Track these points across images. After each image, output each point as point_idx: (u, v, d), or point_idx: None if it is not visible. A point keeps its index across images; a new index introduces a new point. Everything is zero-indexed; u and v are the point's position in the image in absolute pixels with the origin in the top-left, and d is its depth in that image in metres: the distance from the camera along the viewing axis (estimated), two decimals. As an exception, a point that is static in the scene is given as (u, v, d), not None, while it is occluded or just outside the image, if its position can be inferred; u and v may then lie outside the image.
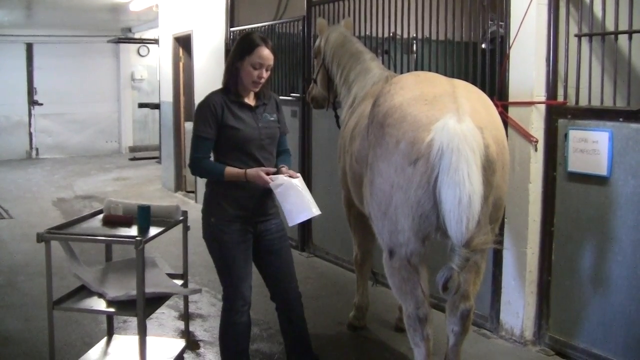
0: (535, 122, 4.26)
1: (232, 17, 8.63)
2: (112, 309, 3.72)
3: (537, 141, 4.26)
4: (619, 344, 3.85)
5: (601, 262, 3.94)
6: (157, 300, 3.84)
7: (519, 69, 4.33)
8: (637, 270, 3.74)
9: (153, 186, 11.47)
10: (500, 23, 4.57)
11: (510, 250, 4.44)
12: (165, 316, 5.06)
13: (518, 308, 4.41)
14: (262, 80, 3.49)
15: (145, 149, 16.33)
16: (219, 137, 3.49)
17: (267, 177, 3.39)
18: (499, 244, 4.17)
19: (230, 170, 3.44)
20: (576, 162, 4.04)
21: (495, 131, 3.09)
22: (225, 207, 3.51)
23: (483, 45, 4.76)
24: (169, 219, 4.02)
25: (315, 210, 3.43)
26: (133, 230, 3.77)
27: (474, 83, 4.05)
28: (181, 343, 4.30)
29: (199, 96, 3.60)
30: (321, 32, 5.05)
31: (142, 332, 3.61)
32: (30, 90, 15.69)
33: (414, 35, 5.51)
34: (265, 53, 3.46)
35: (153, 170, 13.25)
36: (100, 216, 4.07)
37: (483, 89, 4.09)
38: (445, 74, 4.15)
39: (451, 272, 2.78)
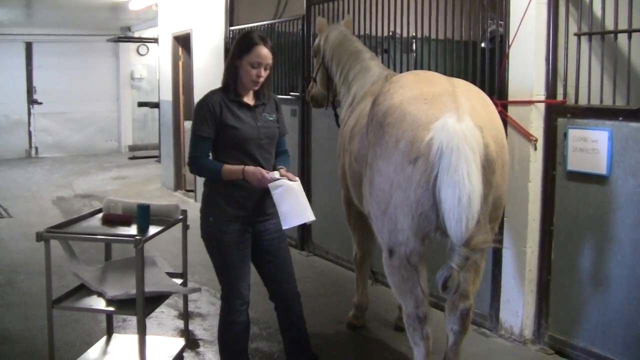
0: (534, 121, 4.26)
1: (231, 16, 8.63)
2: (111, 308, 3.72)
3: (536, 140, 4.26)
4: (618, 343, 3.86)
5: (600, 261, 3.94)
6: (156, 299, 3.84)
7: (519, 68, 4.33)
8: (636, 269, 3.74)
9: (152, 185, 11.47)
10: (500, 22, 4.57)
11: (510, 249, 4.44)
12: (165, 315, 5.06)
13: (517, 307, 4.41)
14: (261, 79, 3.49)
15: (144, 148, 16.32)
16: (218, 136, 3.49)
17: (267, 175, 3.38)
18: (499, 243, 4.18)
19: (228, 167, 3.43)
20: (576, 161, 4.04)
21: (495, 130, 3.09)
22: (224, 206, 3.51)
23: (482, 44, 4.76)
24: (169, 218, 4.02)
25: (310, 216, 3.45)
26: (132, 229, 3.77)
27: (474, 82, 4.05)
28: (181, 342, 4.30)
29: (198, 95, 3.61)
30: (321, 31, 5.04)
31: (142, 331, 3.61)
32: (30, 89, 15.67)
33: (414, 34, 5.50)
34: (264, 52, 3.46)
35: (152, 169, 13.25)
36: (100, 215, 4.06)
37: (482, 88, 4.09)
38: (444, 73, 4.15)
39: (451, 271, 2.78)
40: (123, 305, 3.68)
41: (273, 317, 3.84)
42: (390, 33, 5.73)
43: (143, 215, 3.80)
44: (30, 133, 15.85)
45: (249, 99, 3.59)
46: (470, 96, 3.15)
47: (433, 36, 5.13)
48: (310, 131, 6.90)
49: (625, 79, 3.90)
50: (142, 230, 3.72)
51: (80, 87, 15.87)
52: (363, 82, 4.50)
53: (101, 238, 3.81)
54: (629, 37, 3.85)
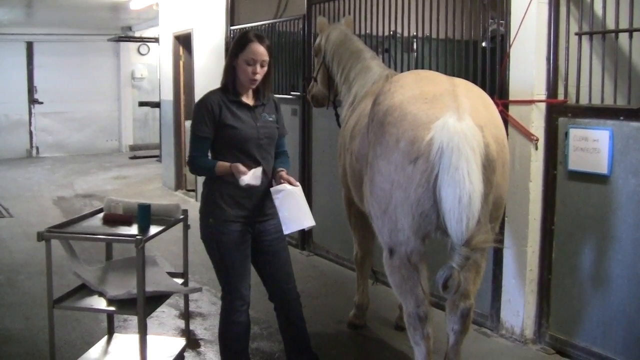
0: (535, 121, 4.26)
1: (232, 16, 8.63)
2: (112, 308, 3.72)
3: (537, 140, 4.26)
4: (619, 343, 3.85)
5: (601, 261, 3.94)
6: (157, 299, 3.84)
7: (520, 68, 4.32)
8: (637, 268, 3.74)
9: (153, 185, 11.47)
10: (501, 21, 4.56)
11: (511, 249, 4.44)
12: (166, 315, 5.06)
13: (518, 307, 4.41)
14: (258, 76, 3.48)
15: (145, 147, 16.32)
16: (217, 136, 3.49)
17: (243, 169, 3.34)
18: (499, 243, 4.17)
19: (220, 163, 3.44)
20: (577, 161, 4.04)
21: (496, 130, 3.09)
22: (223, 207, 3.50)
23: (483, 44, 4.75)
24: (169, 218, 4.02)
25: (310, 222, 3.47)
26: (133, 229, 3.77)
27: (475, 81, 4.06)
28: (181, 342, 4.30)
29: (199, 95, 3.63)
30: (321, 31, 5.04)
31: (143, 331, 3.61)
32: (31, 89, 15.68)
33: (414, 33, 5.50)
34: (258, 49, 3.46)
35: (153, 168, 13.26)
36: (101, 215, 4.06)
37: (483, 87, 4.09)
38: (445, 73, 4.15)
39: (451, 271, 2.77)
40: (124, 305, 3.68)
41: (273, 317, 3.84)
42: (391, 32, 5.73)
43: (144, 215, 3.80)
44: (31, 133, 15.86)
45: (249, 99, 3.59)
46: (470, 96, 3.15)
47: (434, 35, 5.13)
48: (310, 131, 6.90)
49: (626, 79, 3.90)
50: (143, 230, 3.72)
51: (81, 86, 15.87)
52: (364, 81, 4.50)
53: (102, 238, 3.81)
54: (630, 37, 3.85)
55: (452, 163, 2.72)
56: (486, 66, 4.63)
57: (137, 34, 15.78)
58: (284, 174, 3.56)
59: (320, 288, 5.79)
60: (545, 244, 4.30)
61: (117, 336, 4.35)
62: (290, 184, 3.49)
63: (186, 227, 4.17)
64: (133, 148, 16.53)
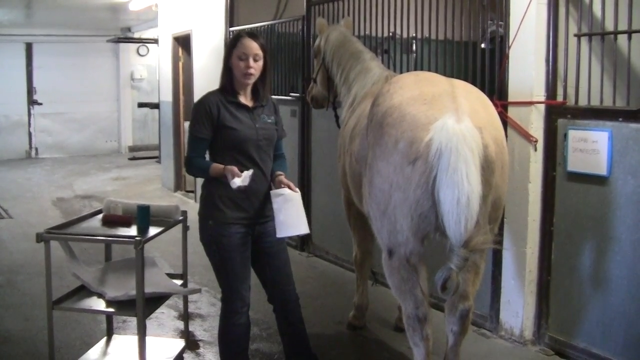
0: (534, 122, 4.27)
1: (231, 17, 8.63)
2: (111, 309, 3.72)
3: (536, 141, 4.26)
4: (619, 344, 3.85)
5: (601, 262, 3.94)
6: (156, 300, 3.84)
7: (519, 69, 4.33)
8: (636, 269, 3.74)
9: (152, 186, 11.47)
10: (500, 23, 4.57)
11: (510, 250, 4.44)
12: (165, 316, 5.06)
13: (518, 308, 4.41)
14: (251, 70, 3.47)
15: (144, 148, 16.32)
16: (216, 137, 3.49)
17: (236, 171, 3.34)
18: (498, 244, 4.18)
19: (214, 166, 3.44)
20: (576, 162, 4.04)
21: (495, 131, 3.10)
22: (223, 209, 3.50)
23: (482, 45, 4.76)
24: (169, 219, 4.02)
25: (304, 229, 3.50)
26: (132, 230, 3.77)
27: (474, 83, 4.06)
28: (181, 343, 4.30)
29: (198, 96, 3.63)
30: (321, 32, 5.04)
31: (142, 332, 3.61)
32: (30, 90, 15.68)
33: (414, 34, 5.50)
34: (249, 43, 3.47)
35: (152, 169, 13.25)
36: (100, 216, 4.06)
37: (482, 88, 4.09)
38: (444, 74, 4.15)
39: (450, 272, 2.77)
40: (123, 306, 3.68)
41: (273, 318, 3.84)
42: (391, 34, 5.73)
43: (143, 216, 3.80)
44: (30, 134, 15.86)
45: (247, 100, 3.59)
46: (469, 97, 3.15)
47: (433, 37, 5.13)
48: (310, 132, 6.90)
49: (625, 80, 3.90)
50: (142, 231, 3.72)
51: (81, 87, 15.88)
52: (363, 82, 4.50)
53: (101, 239, 3.81)
54: (629, 38, 3.85)
55: (450, 164, 2.72)
56: (485, 67, 4.63)
57: (136, 35, 15.79)
58: (283, 178, 3.57)
59: (320, 289, 5.79)
60: (544, 245, 4.31)
61: (116, 337, 4.35)
62: (290, 189, 3.50)
63: (185, 228, 4.17)
64: (132, 149, 16.53)
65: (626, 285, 3.80)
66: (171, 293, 4.02)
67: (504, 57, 4.42)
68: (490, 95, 3.97)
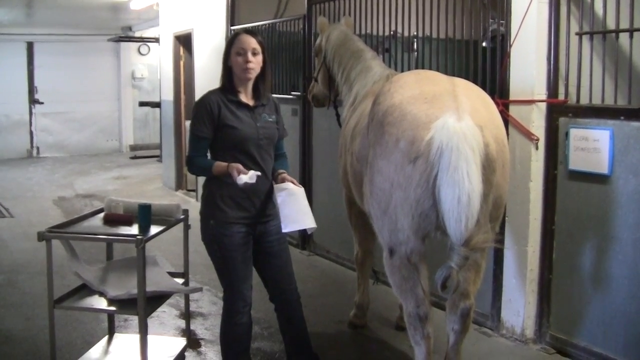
0: (536, 121, 4.26)
1: (232, 16, 8.63)
2: (113, 308, 3.72)
3: (538, 139, 4.25)
4: (620, 343, 3.85)
5: (602, 261, 3.94)
6: (158, 299, 3.84)
7: (520, 67, 4.32)
8: (637, 268, 3.74)
9: (154, 185, 11.48)
10: (501, 21, 4.56)
11: (511, 249, 4.44)
12: (166, 315, 5.06)
13: (519, 306, 4.41)
14: (251, 65, 3.47)
15: (145, 147, 16.32)
16: (217, 136, 3.49)
17: (242, 168, 3.33)
18: (500, 243, 4.17)
19: (217, 164, 3.43)
20: (577, 161, 4.04)
21: (496, 130, 3.09)
22: (224, 209, 3.50)
23: (484, 44, 4.75)
24: (170, 218, 4.02)
25: (311, 223, 3.46)
26: (134, 229, 3.77)
27: (475, 81, 4.06)
28: (182, 342, 4.30)
29: (199, 95, 3.63)
30: (322, 31, 5.04)
31: (143, 331, 3.61)
32: (31, 89, 15.68)
33: (415, 33, 5.50)
34: (246, 39, 3.48)
35: (154, 168, 13.26)
36: (101, 215, 4.06)
37: (484, 87, 4.09)
38: (445, 73, 4.16)
39: (450, 271, 2.77)
40: (124, 305, 3.68)
41: (274, 317, 3.84)
42: (392, 32, 5.73)
43: (144, 214, 3.80)
44: (31, 133, 15.86)
45: (248, 100, 3.58)
46: (470, 95, 3.15)
47: (434, 35, 5.13)
48: (311, 131, 6.90)
49: (626, 78, 3.90)
50: (144, 229, 3.72)
51: (82, 86, 15.88)
52: (365, 81, 4.50)
53: (102, 238, 3.81)
54: (631, 37, 3.84)
55: (451, 163, 2.72)
56: (486, 66, 4.63)
57: (137, 34, 15.79)
58: (286, 175, 3.57)
59: (321, 288, 5.80)
60: (545, 243, 4.30)
61: (117, 336, 4.35)
62: (293, 184, 3.50)
63: (187, 227, 4.17)
64: (133, 148, 16.54)
65: (627, 284, 3.80)
66: (172, 292, 4.02)
67: (505, 56, 4.42)
68: (492, 94, 3.96)
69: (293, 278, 3.77)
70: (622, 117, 3.80)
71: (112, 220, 3.94)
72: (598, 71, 4.02)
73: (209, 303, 5.34)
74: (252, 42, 3.48)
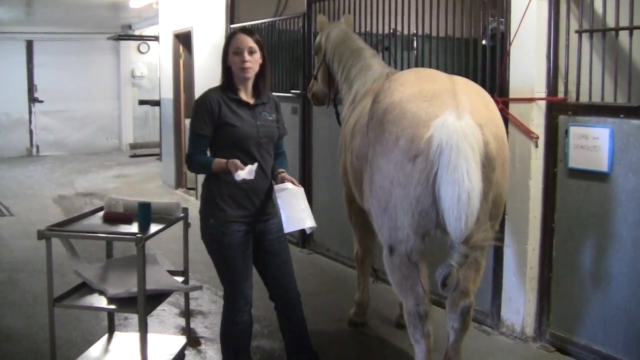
0: (535, 119, 4.26)
1: (232, 14, 8.62)
2: (112, 306, 3.73)
3: (537, 137, 4.26)
4: (620, 340, 3.86)
5: (602, 259, 3.94)
6: (157, 297, 3.84)
7: (520, 66, 4.32)
8: (637, 266, 3.74)
9: (153, 183, 11.47)
10: (501, 19, 4.56)
11: (511, 247, 4.44)
12: (166, 313, 5.06)
13: (519, 304, 4.41)
14: (248, 64, 3.47)
15: (145, 146, 16.32)
16: (217, 134, 3.48)
17: (240, 164, 3.33)
18: (499, 241, 4.17)
19: (217, 161, 3.43)
20: (577, 159, 4.04)
21: (495, 128, 3.09)
22: (224, 208, 3.49)
23: (483, 42, 4.75)
24: (170, 216, 4.02)
25: (311, 223, 3.44)
26: (134, 227, 3.77)
27: (475, 80, 4.06)
28: (182, 340, 4.30)
29: (199, 93, 3.62)
30: (322, 29, 5.04)
31: (143, 329, 3.61)
32: (31, 88, 15.67)
33: (414, 31, 5.50)
34: (242, 38, 3.48)
35: (153, 167, 13.26)
36: (101, 213, 4.06)
37: (483, 85, 4.09)
38: (445, 71, 4.16)
39: (450, 269, 2.78)
40: (124, 303, 3.68)
41: (274, 315, 3.84)
42: (391, 30, 5.73)
43: (144, 213, 3.81)
44: (31, 131, 15.85)
45: (248, 98, 3.58)
46: (470, 94, 3.14)
47: (434, 34, 5.12)
48: (311, 129, 6.90)
49: (626, 76, 3.89)
50: (143, 228, 3.72)
51: (81, 85, 15.86)
52: (364, 80, 4.49)
53: (102, 236, 3.81)
54: (630, 35, 3.84)
55: (451, 161, 2.72)
56: (486, 64, 4.63)
57: (137, 33, 15.77)
58: (286, 175, 3.57)
59: (321, 286, 5.80)
60: (545, 241, 4.31)
61: (117, 334, 4.36)
62: (293, 184, 3.50)
63: (186, 226, 4.17)
64: (133, 146, 16.54)
65: (627, 282, 3.80)
66: (172, 290, 4.02)
67: (504, 54, 4.42)
68: (491, 92, 3.96)
69: (293, 276, 3.77)
70: (621, 115, 3.80)
71: (112, 218, 3.94)
72: (598, 69, 4.02)
73: (209, 301, 5.34)
74: (249, 41, 3.48)
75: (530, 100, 4.24)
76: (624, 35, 3.91)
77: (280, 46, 7.47)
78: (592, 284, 4.01)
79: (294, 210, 3.41)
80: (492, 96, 3.55)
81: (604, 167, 3.87)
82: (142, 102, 14.93)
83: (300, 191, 3.49)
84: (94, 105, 16.30)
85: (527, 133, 4.27)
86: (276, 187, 3.49)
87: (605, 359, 3.92)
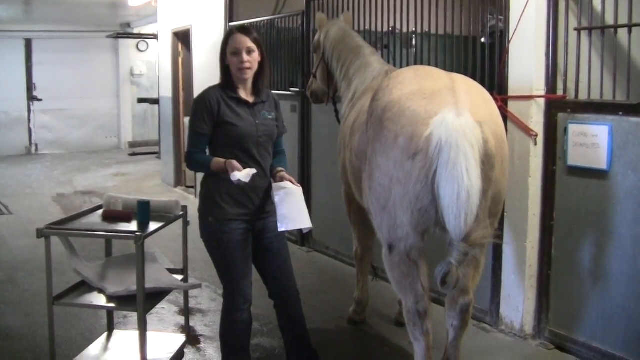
0: (534, 116, 4.26)
1: (231, 12, 8.61)
2: (112, 305, 3.73)
3: (536, 135, 4.26)
4: (619, 338, 3.86)
5: (601, 256, 3.95)
6: (157, 296, 3.84)
7: (519, 63, 4.32)
8: (636, 264, 3.74)
9: (153, 181, 11.47)
10: (500, 17, 4.56)
11: (510, 245, 4.44)
12: (166, 311, 5.07)
13: (518, 302, 4.42)
14: (247, 64, 3.46)
15: (144, 144, 16.32)
16: (216, 133, 3.48)
17: (237, 165, 3.32)
18: (499, 239, 4.17)
19: (216, 160, 3.43)
20: (576, 156, 4.04)
21: (495, 126, 3.09)
22: (223, 206, 3.49)
23: (482, 40, 4.75)
24: (169, 214, 4.03)
25: (307, 223, 3.46)
26: (133, 226, 3.77)
27: (474, 77, 4.05)
28: (181, 338, 4.31)
29: (198, 91, 3.62)
30: (321, 27, 5.03)
31: (143, 328, 3.62)
32: (30, 86, 15.65)
33: (414, 29, 5.50)
34: (240, 38, 3.47)
35: (152, 165, 13.25)
36: (100, 211, 4.07)
37: (482, 83, 4.09)
38: (444, 69, 4.15)
39: (449, 267, 2.78)
40: (124, 301, 3.68)
41: (274, 313, 3.84)
42: (390, 28, 5.72)
43: (143, 211, 3.81)
44: (30, 130, 15.84)
45: (248, 97, 3.58)
46: (469, 91, 3.14)
47: (433, 31, 5.12)
48: (310, 127, 6.89)
49: (625, 74, 3.89)
50: (143, 226, 3.72)
51: (80, 83, 15.85)
52: (363, 77, 4.49)
53: (101, 234, 3.81)
54: (629, 32, 3.84)
55: (450, 159, 2.72)
56: (485, 62, 4.62)
57: (135, 31, 15.76)
58: (285, 174, 3.56)
59: (320, 284, 5.80)
60: (544, 239, 4.31)
61: (117, 333, 4.36)
62: (292, 184, 3.50)
63: (186, 224, 4.17)
64: (132, 145, 16.53)
65: (626, 279, 3.81)
66: (172, 288, 4.03)
67: (504, 52, 4.42)
68: (490, 90, 3.96)
69: (292, 275, 3.77)
70: (620, 113, 3.80)
71: (111, 216, 3.94)
72: (597, 67, 4.02)
73: (208, 299, 5.34)
74: (246, 41, 3.47)
75: (529, 98, 4.24)
76: (622, 33, 3.91)
77: (279, 44, 7.47)
78: (591, 282, 4.01)
79: (292, 210, 3.42)
80: (491, 94, 3.55)
81: (603, 164, 3.87)
82: (141, 101, 14.92)
83: (298, 191, 3.49)
84: (93, 104, 16.29)
85: (526, 131, 4.27)
86: (274, 185, 3.49)
87: (604, 356, 3.93)
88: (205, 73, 8.87)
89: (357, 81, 4.53)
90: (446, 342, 3.37)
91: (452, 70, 4.14)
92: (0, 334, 4.63)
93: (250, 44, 3.47)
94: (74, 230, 3.74)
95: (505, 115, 4.25)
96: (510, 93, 4.38)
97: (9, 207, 9.24)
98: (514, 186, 4.28)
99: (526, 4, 4.18)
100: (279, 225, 3.41)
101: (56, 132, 16.02)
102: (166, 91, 10.85)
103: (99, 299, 3.75)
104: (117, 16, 14.34)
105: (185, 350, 4.27)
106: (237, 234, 3.51)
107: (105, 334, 4.31)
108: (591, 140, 3.92)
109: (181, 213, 4.10)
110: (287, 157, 3.83)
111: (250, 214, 3.55)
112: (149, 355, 3.71)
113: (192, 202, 7.63)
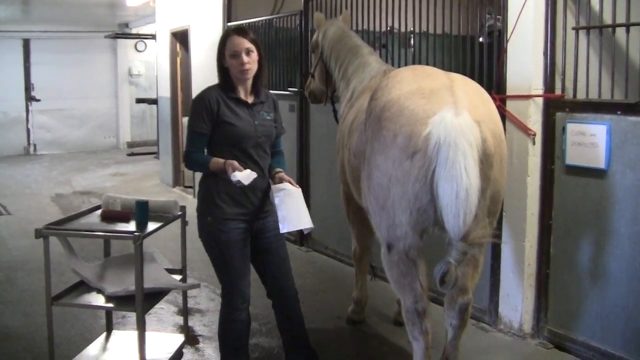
0: (533, 116, 4.26)
1: (229, 12, 8.61)
2: (111, 305, 3.73)
3: (535, 134, 4.26)
4: (618, 337, 3.86)
5: (599, 255, 3.95)
6: (155, 296, 3.85)
7: (517, 63, 4.32)
8: (635, 263, 3.75)
9: (151, 181, 11.47)
10: (498, 16, 4.56)
11: (509, 244, 4.44)
12: (164, 311, 5.06)
13: (517, 301, 4.42)
14: (247, 66, 3.46)
15: (143, 144, 16.31)
16: (214, 133, 3.48)
17: (238, 165, 3.33)
18: (497, 238, 4.18)
19: (215, 160, 3.42)
20: (574, 155, 4.04)
21: (493, 125, 3.09)
22: (221, 206, 3.49)
23: (481, 39, 4.75)
24: (167, 214, 4.03)
25: (308, 223, 3.45)
26: (131, 226, 3.77)
27: (472, 77, 4.06)
28: (180, 338, 4.31)
29: (196, 91, 3.62)
30: (319, 27, 5.03)
31: (141, 328, 3.62)
32: (28, 86, 15.64)
33: (412, 29, 5.50)
34: (237, 40, 3.46)
35: (151, 165, 13.25)
36: (99, 212, 4.07)
37: (481, 82, 4.09)
38: (443, 68, 4.15)
39: (448, 266, 2.78)
40: (122, 301, 3.68)
41: (272, 313, 3.84)
42: (388, 28, 5.73)
43: (142, 211, 3.81)
44: (28, 130, 15.82)
45: (247, 96, 3.58)
46: (468, 91, 3.14)
47: (431, 31, 5.12)
48: (308, 127, 6.89)
49: (623, 73, 3.90)
50: (141, 226, 3.72)
51: (79, 83, 15.86)
52: (362, 77, 4.49)
53: (100, 234, 3.81)
54: (627, 31, 3.84)
55: (449, 158, 2.72)
56: (483, 61, 4.63)
57: (134, 31, 15.76)
58: (284, 175, 3.56)
59: (319, 284, 5.80)
60: (543, 238, 4.31)
61: (115, 333, 4.36)
62: (291, 184, 3.50)
63: (184, 224, 4.17)
64: (131, 145, 16.52)
65: (625, 278, 3.81)
66: (170, 288, 4.03)
67: (502, 51, 4.42)
68: (489, 89, 3.96)
69: (291, 274, 3.77)
70: (619, 112, 3.80)
71: (110, 217, 3.94)
72: (595, 66, 4.02)
73: (207, 299, 5.34)
74: (245, 43, 3.46)
75: (528, 97, 4.25)
76: (621, 32, 3.91)
77: (278, 44, 7.47)
78: (590, 281, 4.02)
79: (292, 211, 3.42)
80: (490, 93, 3.55)
81: (601, 164, 3.87)
82: (139, 101, 14.92)
83: (298, 192, 3.49)
84: (91, 104, 16.29)
85: (525, 130, 4.27)
86: (274, 187, 3.49)
87: (603, 355, 3.93)
88: (204, 73, 8.87)
89: (355, 81, 4.53)
90: (445, 342, 3.37)
91: (450, 70, 4.14)
92: (-1, 334, 4.64)
93: (248, 44, 3.46)
94: (72, 230, 3.74)
95: (503, 115, 4.25)
96: (509, 92, 4.38)
97: (7, 208, 9.23)
98: (513, 185, 4.29)
99: (524, 4, 4.18)
100: (280, 226, 3.41)
101: (54, 132, 16.01)
102: (164, 91, 10.85)
103: (98, 299, 3.75)
104: (115, 16, 14.34)
105: (184, 350, 4.27)
106: (236, 234, 3.51)
107: (104, 334, 4.31)
108: (589, 140, 3.93)
109: (179, 213, 4.10)
110: (285, 158, 3.83)
111: (248, 214, 3.55)
112: (147, 355, 3.71)
113: (191, 202, 7.62)
